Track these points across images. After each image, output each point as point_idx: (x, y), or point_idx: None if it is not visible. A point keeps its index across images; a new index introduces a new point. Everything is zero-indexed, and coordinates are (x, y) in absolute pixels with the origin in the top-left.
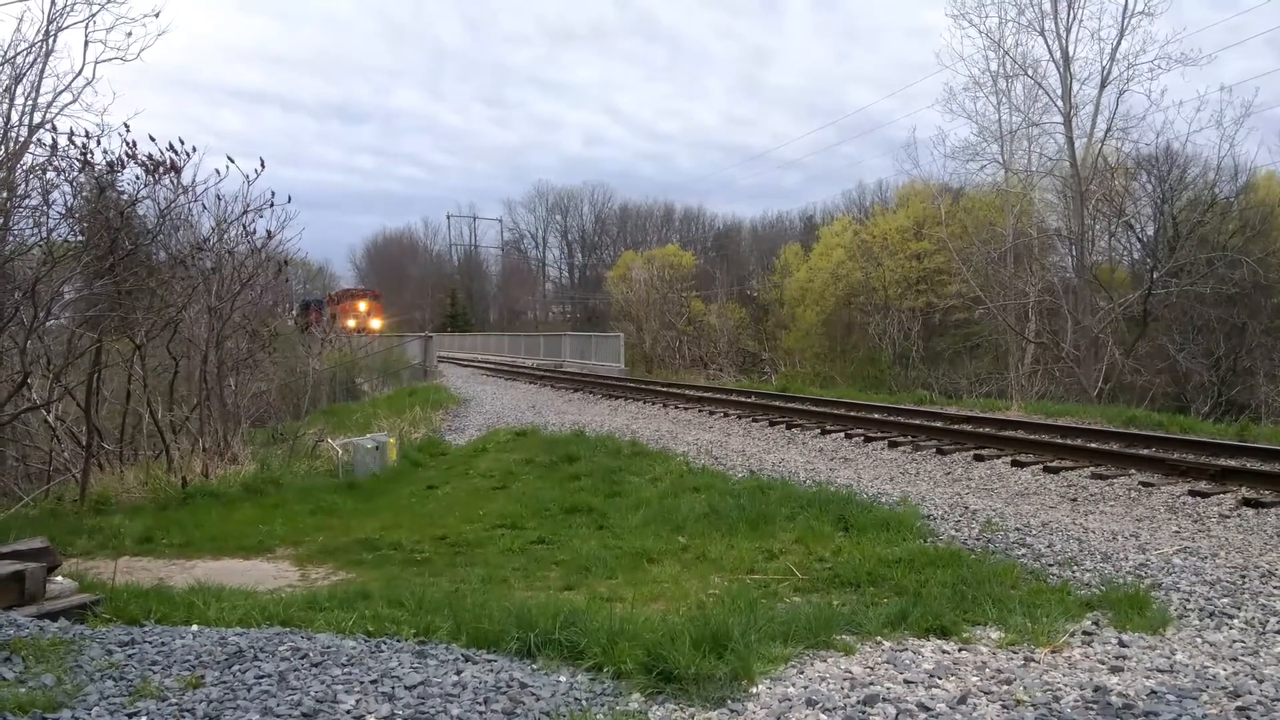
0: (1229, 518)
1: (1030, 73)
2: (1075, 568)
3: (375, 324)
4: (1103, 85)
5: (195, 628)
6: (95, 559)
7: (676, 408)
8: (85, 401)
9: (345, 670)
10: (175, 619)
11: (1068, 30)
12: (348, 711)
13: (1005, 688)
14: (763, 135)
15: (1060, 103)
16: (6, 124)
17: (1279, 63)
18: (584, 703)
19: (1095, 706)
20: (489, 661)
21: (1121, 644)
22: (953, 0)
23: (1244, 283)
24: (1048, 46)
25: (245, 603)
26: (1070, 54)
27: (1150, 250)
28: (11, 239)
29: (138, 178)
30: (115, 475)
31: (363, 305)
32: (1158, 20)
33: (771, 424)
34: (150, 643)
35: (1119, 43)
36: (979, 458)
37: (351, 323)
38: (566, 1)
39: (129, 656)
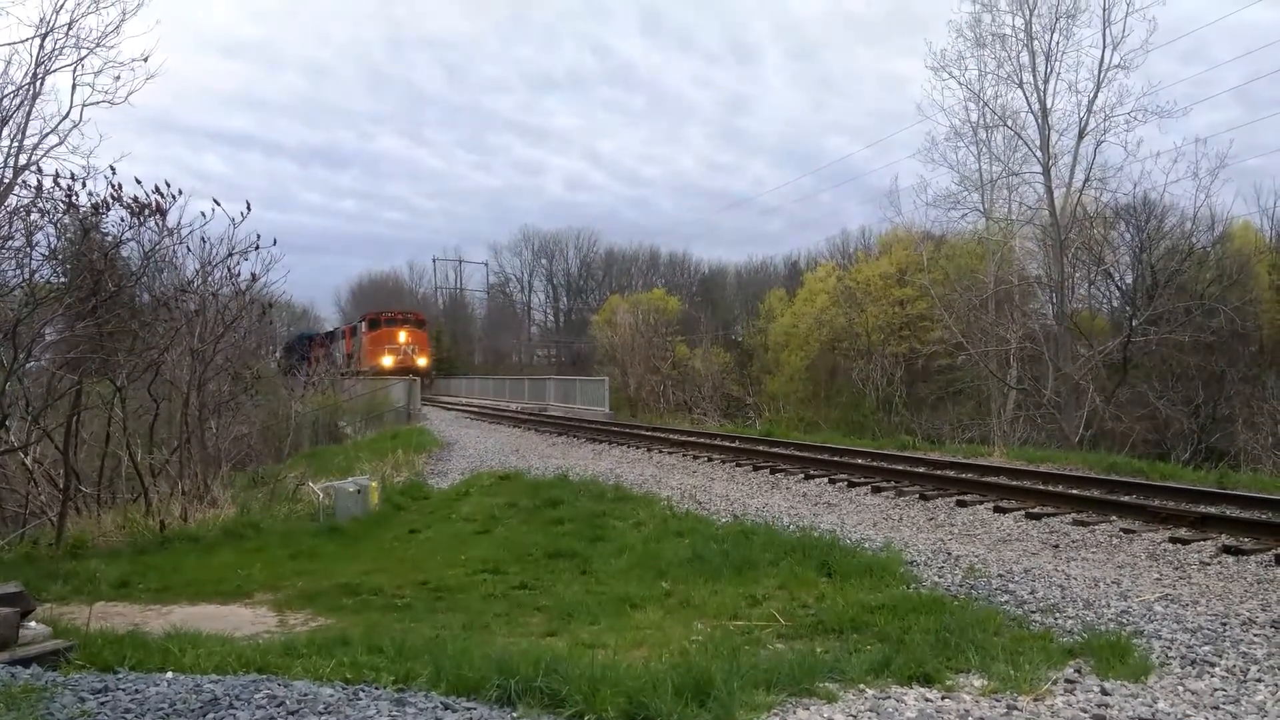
0: (1209, 565)
1: (1009, 124)
2: (1057, 615)
3: (422, 362)
4: (1080, 136)
5: (170, 675)
6: (70, 604)
7: (661, 452)
8: (64, 444)
9: (322, 719)
10: (150, 666)
11: (1045, 83)
12: None
13: None
14: (743, 181)
15: (1039, 153)
16: None
17: (1248, 115)
18: None
19: None
20: (468, 710)
21: (1104, 692)
22: (932, 53)
23: (1222, 331)
24: (1026, 99)
25: (222, 649)
26: (1048, 106)
27: (1129, 298)
28: None
29: (123, 220)
30: (92, 519)
31: (403, 335)
32: (1133, 74)
33: (755, 469)
34: (124, 690)
35: (1095, 95)
36: (962, 503)
37: (388, 360)
38: (545, 51)
39: (102, 705)
